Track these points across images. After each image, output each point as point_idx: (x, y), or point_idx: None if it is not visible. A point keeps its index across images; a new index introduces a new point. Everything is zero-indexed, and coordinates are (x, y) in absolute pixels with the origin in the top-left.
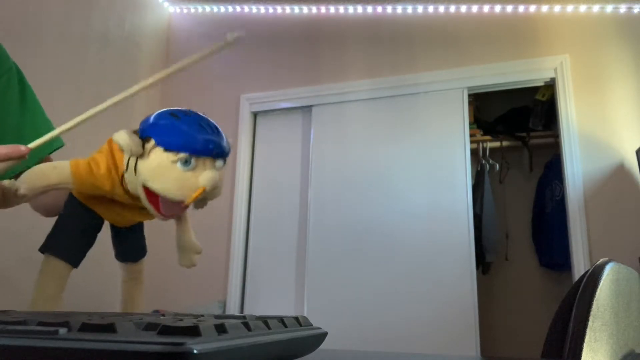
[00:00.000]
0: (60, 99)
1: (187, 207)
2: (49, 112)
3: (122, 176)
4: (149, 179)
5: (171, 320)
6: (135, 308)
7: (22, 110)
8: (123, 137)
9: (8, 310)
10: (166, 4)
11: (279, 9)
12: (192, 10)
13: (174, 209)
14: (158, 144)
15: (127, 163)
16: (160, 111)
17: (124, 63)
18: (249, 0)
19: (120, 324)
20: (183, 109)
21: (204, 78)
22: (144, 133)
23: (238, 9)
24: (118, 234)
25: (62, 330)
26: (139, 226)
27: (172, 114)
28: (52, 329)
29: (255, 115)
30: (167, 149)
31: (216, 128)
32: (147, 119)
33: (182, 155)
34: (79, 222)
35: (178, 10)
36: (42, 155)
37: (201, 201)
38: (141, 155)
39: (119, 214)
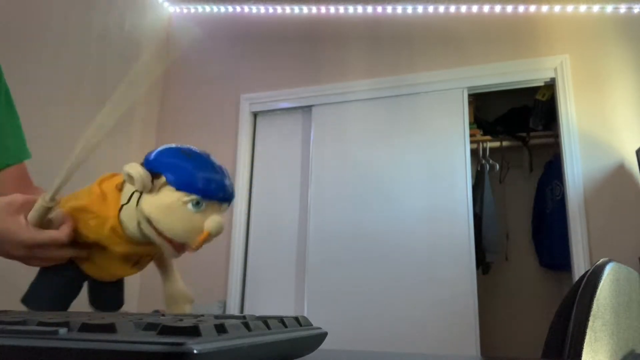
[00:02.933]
0: (61, 99)
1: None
2: (49, 112)
3: (118, 216)
4: (156, 217)
5: (171, 320)
6: None
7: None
8: (137, 170)
9: (8, 310)
10: (166, 4)
11: (279, 9)
12: (192, 10)
13: (180, 247)
14: (170, 182)
15: (130, 196)
16: (167, 147)
17: (124, 63)
18: (249, 0)
19: (120, 324)
20: (187, 146)
21: (204, 78)
22: (155, 169)
23: (238, 9)
24: (96, 285)
25: (62, 330)
26: (120, 280)
27: (182, 151)
28: (52, 329)
29: (255, 115)
30: (179, 189)
31: (222, 170)
32: (153, 153)
33: (194, 197)
34: (62, 275)
35: (178, 10)
36: (4, 164)
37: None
38: (149, 191)
39: (103, 269)
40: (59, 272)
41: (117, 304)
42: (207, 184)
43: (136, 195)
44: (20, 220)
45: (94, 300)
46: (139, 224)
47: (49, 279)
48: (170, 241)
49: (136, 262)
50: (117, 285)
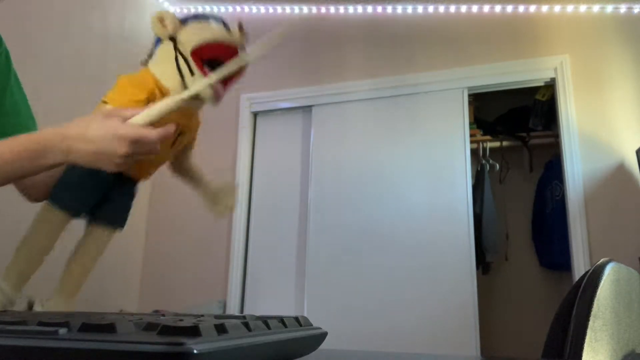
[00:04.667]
0: (61, 98)
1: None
2: (49, 113)
3: (157, 82)
4: (196, 34)
5: (171, 320)
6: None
7: (18, 88)
8: (168, 13)
9: (8, 310)
10: (166, 4)
11: (279, 9)
12: (192, 10)
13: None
14: (191, 19)
15: (174, 42)
16: None
17: (124, 63)
18: (249, 0)
19: (120, 324)
20: None
21: None
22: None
23: (238, 9)
24: (108, 191)
25: (62, 330)
26: (131, 192)
27: None
28: (52, 329)
29: (255, 115)
30: (198, 18)
31: None
32: None
33: (213, 18)
34: (88, 169)
35: (178, 10)
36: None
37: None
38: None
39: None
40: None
41: (121, 217)
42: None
43: (169, 42)
44: (117, 119)
45: (99, 209)
46: (178, 64)
47: (73, 173)
48: (202, 67)
49: (177, 138)
50: (127, 197)
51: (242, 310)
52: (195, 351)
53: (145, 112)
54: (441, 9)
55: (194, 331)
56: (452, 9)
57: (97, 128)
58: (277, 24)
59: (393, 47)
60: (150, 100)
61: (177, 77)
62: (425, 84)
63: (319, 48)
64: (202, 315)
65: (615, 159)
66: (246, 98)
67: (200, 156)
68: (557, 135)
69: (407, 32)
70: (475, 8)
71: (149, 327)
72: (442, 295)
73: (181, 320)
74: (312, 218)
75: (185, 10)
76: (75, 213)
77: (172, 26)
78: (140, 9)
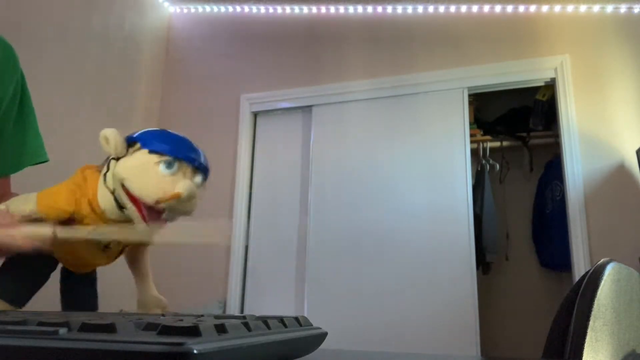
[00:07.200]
0: (60, 99)
1: (163, 216)
2: (49, 113)
3: (94, 198)
4: (128, 177)
5: (171, 320)
6: None
7: (21, 124)
8: (113, 132)
9: (8, 310)
10: (166, 4)
11: (279, 9)
12: (192, 10)
13: (152, 216)
14: (144, 146)
15: (108, 164)
16: (149, 129)
17: (124, 63)
18: (249, 0)
19: (120, 324)
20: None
21: (204, 78)
22: (131, 139)
23: (238, 9)
24: (68, 284)
25: (62, 330)
26: (93, 279)
27: (163, 130)
28: (52, 329)
29: (255, 115)
30: (153, 150)
31: (198, 148)
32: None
33: (166, 157)
34: (29, 263)
35: (178, 10)
36: (24, 166)
37: (173, 211)
38: (124, 156)
39: (78, 258)
40: (26, 259)
41: (91, 306)
42: (179, 145)
43: (113, 162)
44: None
45: (67, 304)
46: (113, 192)
47: (15, 266)
48: (140, 208)
49: (106, 247)
50: (91, 285)
51: (242, 310)
52: (195, 351)
53: (30, 228)
54: (441, 9)
55: (194, 331)
56: (452, 9)
57: None
58: (277, 24)
59: (393, 47)
60: (75, 213)
61: (113, 201)
62: (425, 84)
63: (319, 48)
64: (202, 315)
65: (615, 159)
66: (246, 98)
67: None
68: (557, 135)
69: (407, 32)
70: (475, 8)
71: (149, 327)
72: (442, 295)
73: (181, 320)
74: (312, 218)
75: (185, 11)
76: (19, 304)
77: (114, 150)
78: (140, 9)
